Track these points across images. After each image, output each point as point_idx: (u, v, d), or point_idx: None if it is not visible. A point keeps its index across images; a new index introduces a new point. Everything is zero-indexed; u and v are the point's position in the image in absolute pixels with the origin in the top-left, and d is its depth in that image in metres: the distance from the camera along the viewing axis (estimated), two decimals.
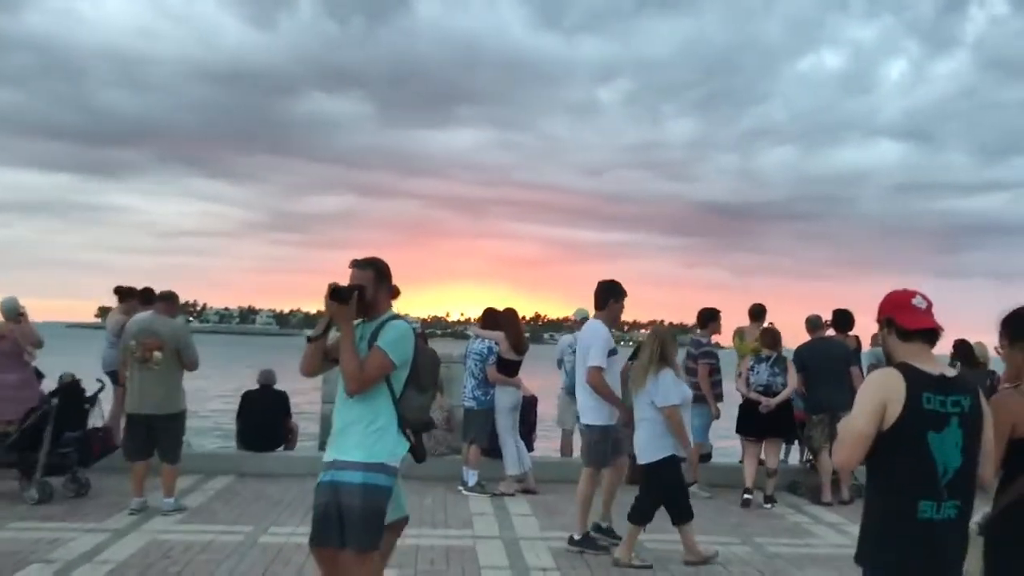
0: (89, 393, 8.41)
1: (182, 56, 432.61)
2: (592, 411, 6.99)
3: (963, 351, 10.23)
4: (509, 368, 8.98)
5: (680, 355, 9.19)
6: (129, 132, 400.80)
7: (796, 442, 10.25)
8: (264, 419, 9.75)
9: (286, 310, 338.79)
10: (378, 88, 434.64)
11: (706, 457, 9.88)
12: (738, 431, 9.45)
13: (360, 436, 4.06)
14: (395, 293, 4.35)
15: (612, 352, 6.92)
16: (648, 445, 6.59)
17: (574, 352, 10.49)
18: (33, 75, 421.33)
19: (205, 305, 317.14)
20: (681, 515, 6.58)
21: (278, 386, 10.19)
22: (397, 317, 4.23)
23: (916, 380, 3.00)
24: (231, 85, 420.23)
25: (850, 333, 10.12)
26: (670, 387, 6.58)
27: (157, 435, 7.57)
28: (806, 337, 9.71)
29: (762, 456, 9.15)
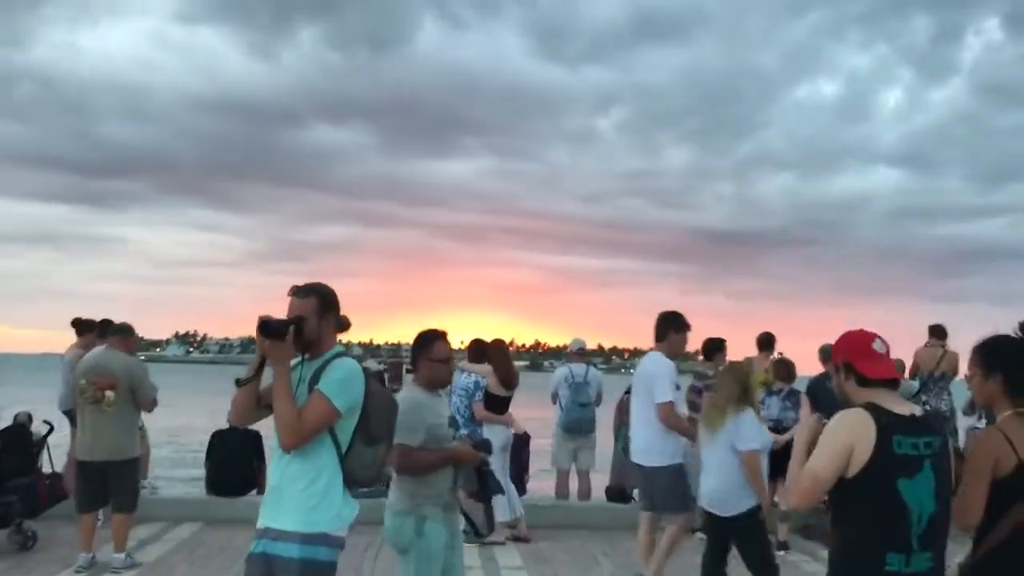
0: (39, 435, 7.72)
1: (183, 87, 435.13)
2: (659, 452, 6.44)
3: None
4: (498, 405, 8.27)
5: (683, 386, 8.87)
6: (130, 163, 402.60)
7: None
8: (234, 460, 9.02)
9: None
10: (380, 118, 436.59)
11: None
12: None
13: (298, 498, 3.35)
14: (343, 325, 3.65)
15: (676, 387, 6.43)
16: (732, 495, 5.77)
17: (570, 386, 9.88)
18: (36, 107, 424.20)
19: (205, 335, 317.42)
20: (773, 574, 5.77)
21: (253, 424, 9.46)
22: (344, 354, 3.51)
23: (886, 422, 2.81)
24: (232, 116, 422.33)
25: None
26: (752, 430, 5.84)
27: (110, 483, 6.87)
28: (808, 367, 9.07)
29: (775, 498, 8.43)
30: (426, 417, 4.22)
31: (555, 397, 9.81)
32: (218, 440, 9.18)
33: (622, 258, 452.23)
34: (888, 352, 3.05)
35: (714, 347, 9.06)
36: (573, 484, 9.99)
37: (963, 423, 9.64)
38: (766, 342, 9.74)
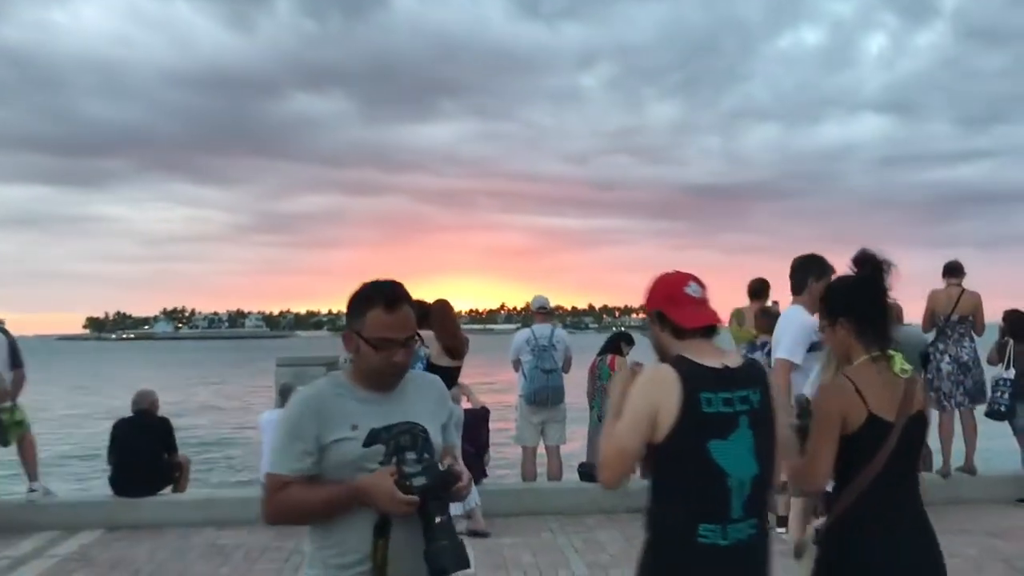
0: None
1: (160, 62, 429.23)
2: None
3: (1018, 321, 8.26)
4: (444, 377, 6.90)
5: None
6: (110, 141, 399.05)
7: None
8: (139, 455, 7.66)
9: (275, 312, 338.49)
10: (359, 85, 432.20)
11: None
12: None
13: None
14: None
15: (813, 347, 5.18)
16: None
17: (533, 350, 8.56)
18: (11, 89, 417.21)
19: (194, 311, 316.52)
20: None
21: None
22: None
23: (693, 378, 2.47)
24: (210, 89, 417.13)
25: None
26: None
27: None
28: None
29: None
30: (318, 428, 2.33)
31: (516, 364, 8.50)
32: (121, 430, 7.81)
33: (610, 217, 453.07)
34: (705, 295, 2.66)
35: None
36: (542, 464, 8.71)
37: (992, 374, 8.35)
38: (757, 290, 8.42)
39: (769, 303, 8.28)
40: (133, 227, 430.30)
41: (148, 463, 7.71)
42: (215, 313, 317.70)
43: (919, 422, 2.80)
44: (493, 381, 24.56)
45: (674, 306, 2.61)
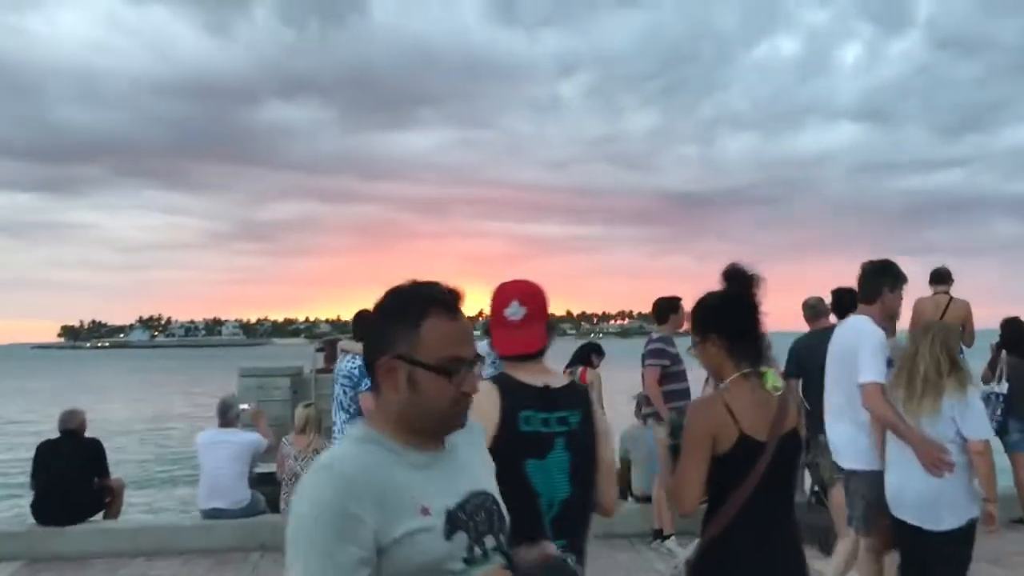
0: None
1: (137, 69, 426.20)
2: (862, 451, 4.77)
3: (1013, 331, 7.76)
4: None
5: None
6: (87, 148, 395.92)
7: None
8: (66, 479, 7.03)
9: (253, 319, 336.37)
10: (337, 93, 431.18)
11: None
12: None
13: None
14: None
15: (889, 363, 4.57)
16: (953, 501, 4.09)
17: (493, 363, 7.98)
18: None
19: (170, 319, 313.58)
20: None
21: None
22: None
23: (513, 396, 2.44)
24: (188, 96, 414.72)
25: None
26: (982, 413, 4.18)
27: None
28: (789, 329, 7.26)
29: None
30: (377, 518, 1.53)
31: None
32: (46, 452, 7.17)
33: (589, 224, 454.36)
34: (530, 315, 2.55)
35: (666, 307, 7.23)
36: None
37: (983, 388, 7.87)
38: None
39: None
40: (110, 234, 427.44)
41: (75, 488, 7.08)
42: (192, 321, 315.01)
43: (793, 441, 2.69)
44: None
45: (495, 327, 2.57)
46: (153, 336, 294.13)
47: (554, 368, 2.61)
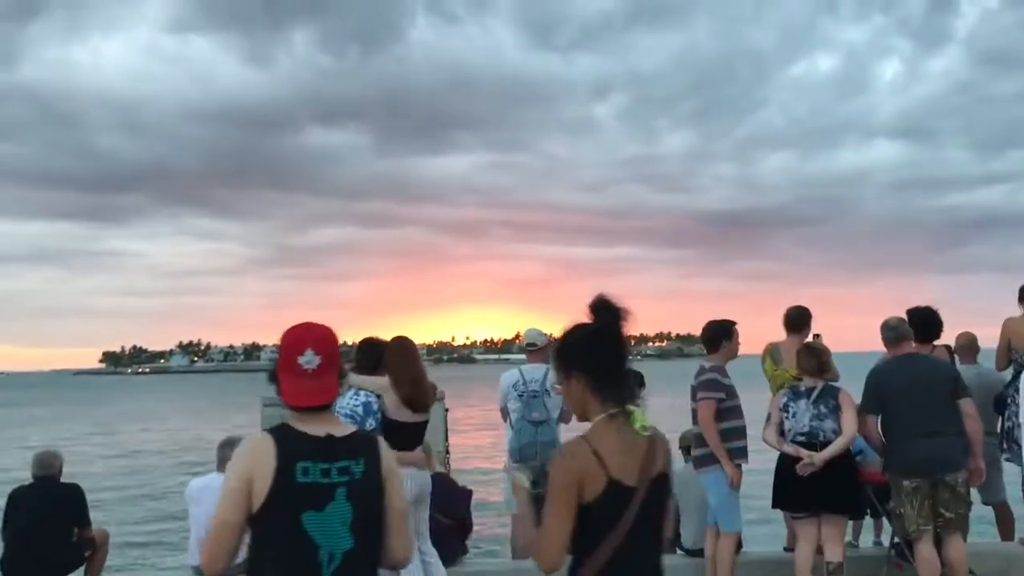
0: None
1: (178, 97, 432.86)
2: None
3: None
4: (402, 436, 5.45)
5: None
6: (129, 176, 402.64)
7: (872, 517, 6.94)
8: (41, 530, 6.20)
9: None
10: (374, 118, 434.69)
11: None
12: (776, 505, 6.08)
13: None
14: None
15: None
16: None
17: (521, 396, 7.07)
18: (32, 126, 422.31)
19: (209, 344, 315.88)
20: None
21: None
22: None
23: (291, 447, 2.44)
24: (228, 123, 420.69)
25: (937, 344, 6.63)
26: None
27: None
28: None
29: (822, 541, 5.85)
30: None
31: (504, 412, 7.01)
32: (19, 501, 6.36)
33: (625, 245, 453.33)
34: (324, 364, 2.51)
35: (719, 332, 6.29)
36: None
37: None
38: (796, 320, 6.87)
39: (810, 336, 6.80)
40: (151, 261, 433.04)
41: (50, 541, 6.25)
42: (231, 346, 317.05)
43: (662, 485, 2.54)
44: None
45: (285, 374, 2.52)
46: (193, 361, 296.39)
47: None
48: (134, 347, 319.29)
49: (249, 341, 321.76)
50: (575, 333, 2.60)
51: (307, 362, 2.48)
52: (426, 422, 5.66)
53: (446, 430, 11.67)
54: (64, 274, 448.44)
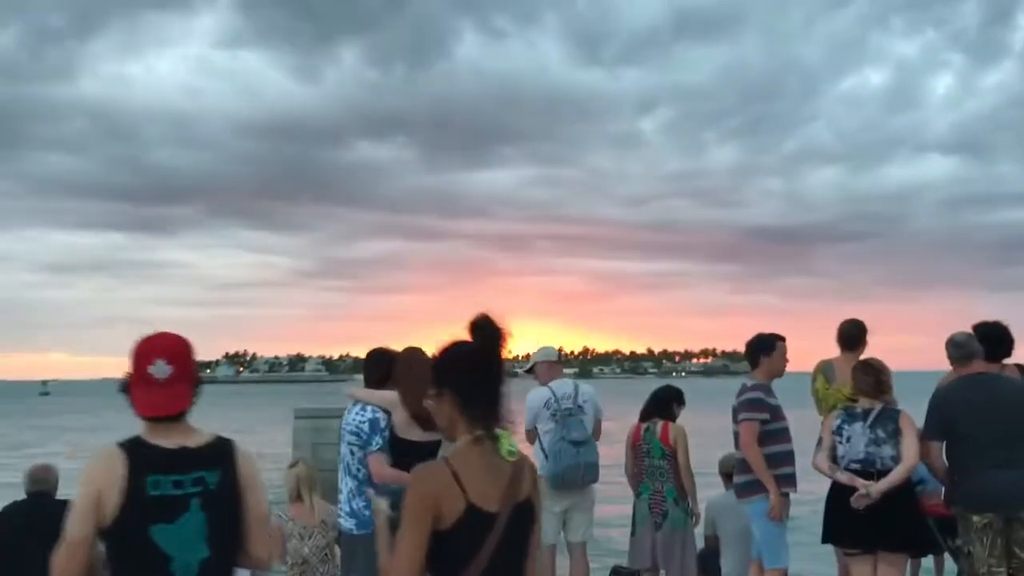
0: None
1: (228, 111, 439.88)
2: None
3: None
4: (412, 456, 4.94)
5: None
6: (180, 189, 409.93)
7: (934, 555, 6.35)
8: (25, 553, 5.79)
9: (335, 356, 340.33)
10: (421, 132, 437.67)
11: None
12: (827, 540, 5.46)
13: None
14: None
15: None
16: None
17: (554, 415, 6.50)
18: (88, 139, 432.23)
19: (255, 354, 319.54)
20: None
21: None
22: None
23: (142, 460, 2.45)
24: (277, 137, 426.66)
25: (1007, 362, 5.96)
26: None
27: None
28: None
29: None
30: None
31: (532, 435, 6.44)
32: (8, 519, 5.95)
33: (669, 260, 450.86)
34: (176, 374, 2.49)
35: (761, 346, 5.79)
36: (563, 568, 6.60)
37: None
38: (851, 335, 6.25)
39: (866, 354, 6.17)
40: (200, 272, 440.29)
41: (38, 559, 5.83)
42: (276, 357, 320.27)
43: (526, 512, 2.42)
44: None
45: (136, 385, 2.52)
46: (238, 372, 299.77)
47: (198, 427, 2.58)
48: None
49: (294, 352, 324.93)
50: (452, 350, 2.51)
51: (157, 371, 2.48)
52: (439, 442, 5.15)
53: None
54: (115, 283, 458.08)
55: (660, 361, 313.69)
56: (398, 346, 5.26)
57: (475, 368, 2.47)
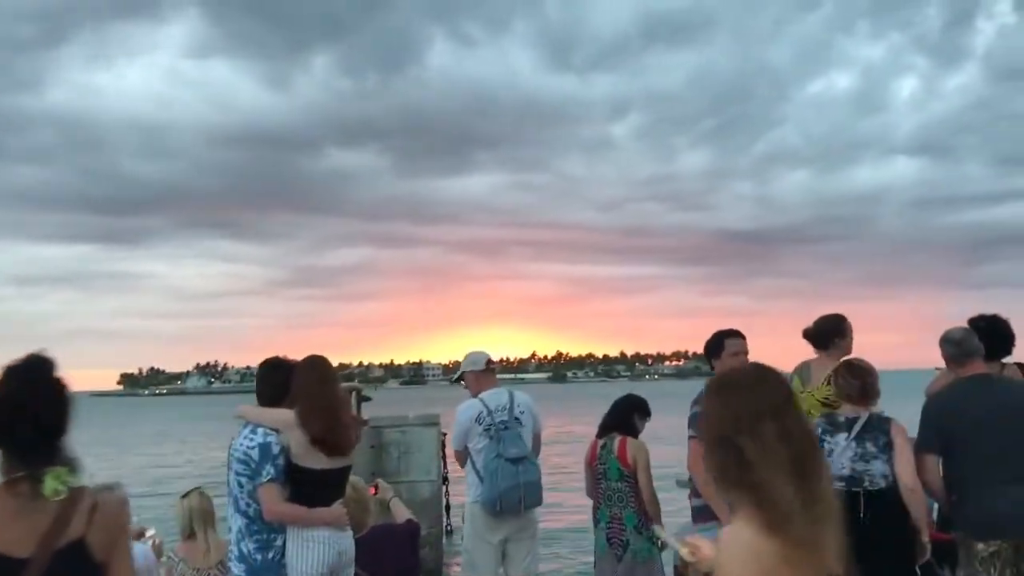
0: None
1: (199, 121, 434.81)
2: None
3: None
4: (315, 487, 4.14)
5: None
6: (150, 199, 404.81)
7: None
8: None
9: None
10: (393, 140, 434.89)
11: None
12: None
13: None
14: None
15: None
16: None
17: (487, 430, 5.71)
18: (55, 150, 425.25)
19: (226, 365, 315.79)
20: None
21: None
22: None
23: None
24: (248, 146, 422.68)
25: (1006, 361, 5.23)
26: None
27: None
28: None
29: None
30: None
31: (462, 455, 5.64)
32: None
33: (642, 264, 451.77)
34: None
35: (707, 349, 5.13)
36: None
37: None
38: (826, 333, 5.47)
39: (851, 355, 5.41)
40: (170, 283, 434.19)
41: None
42: (248, 367, 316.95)
43: (75, 555, 2.20)
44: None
45: None
46: (210, 383, 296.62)
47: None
48: (151, 369, 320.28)
49: None
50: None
51: None
52: (347, 468, 4.32)
53: (443, 457, 10.43)
54: (83, 296, 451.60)
55: (633, 364, 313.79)
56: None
57: (6, 414, 2.30)
